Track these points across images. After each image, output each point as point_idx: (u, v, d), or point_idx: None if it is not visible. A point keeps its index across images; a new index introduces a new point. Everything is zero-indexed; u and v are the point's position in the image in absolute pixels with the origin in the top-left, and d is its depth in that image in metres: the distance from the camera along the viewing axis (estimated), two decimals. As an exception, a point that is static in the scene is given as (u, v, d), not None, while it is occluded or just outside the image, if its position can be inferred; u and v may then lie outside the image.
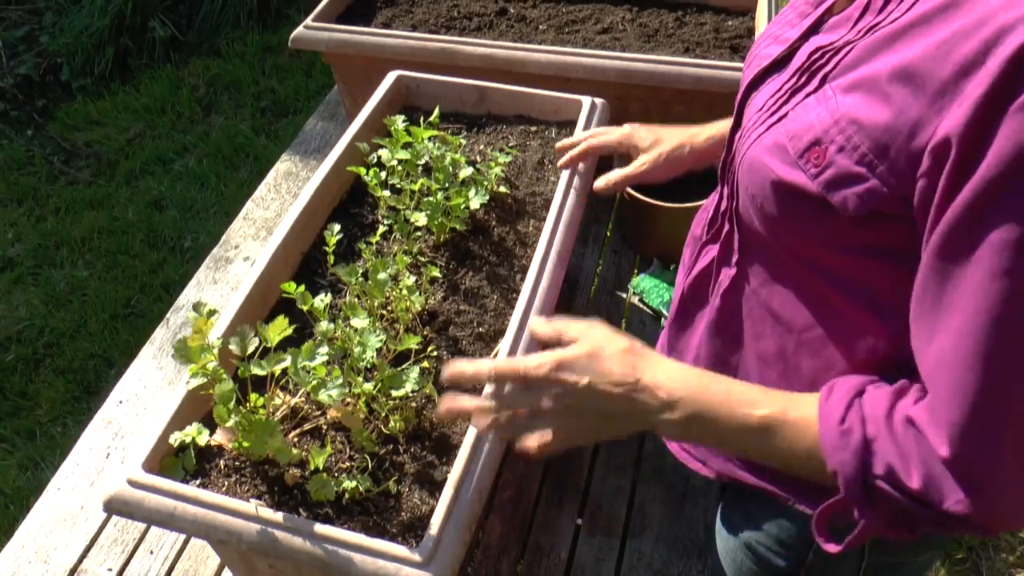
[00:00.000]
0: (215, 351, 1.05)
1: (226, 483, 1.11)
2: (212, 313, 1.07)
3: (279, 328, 1.06)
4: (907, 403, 0.77)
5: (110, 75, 4.24)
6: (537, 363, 0.91)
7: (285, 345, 1.09)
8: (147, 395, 1.66)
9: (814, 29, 0.89)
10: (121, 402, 1.65)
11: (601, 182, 1.45)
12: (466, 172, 1.46)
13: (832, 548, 0.84)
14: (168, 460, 1.13)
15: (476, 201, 1.41)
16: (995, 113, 0.63)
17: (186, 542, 1.44)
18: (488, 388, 0.97)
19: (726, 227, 1.00)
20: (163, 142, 3.88)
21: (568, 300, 1.81)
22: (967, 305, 0.68)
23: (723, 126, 1.36)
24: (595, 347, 0.91)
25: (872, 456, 0.77)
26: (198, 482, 1.11)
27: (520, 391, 0.92)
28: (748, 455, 0.91)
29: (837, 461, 0.78)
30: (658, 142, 1.41)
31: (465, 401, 0.96)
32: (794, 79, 0.86)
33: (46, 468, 2.62)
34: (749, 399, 0.85)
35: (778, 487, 1.02)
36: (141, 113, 4.05)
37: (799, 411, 0.83)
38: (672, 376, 0.89)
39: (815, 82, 0.82)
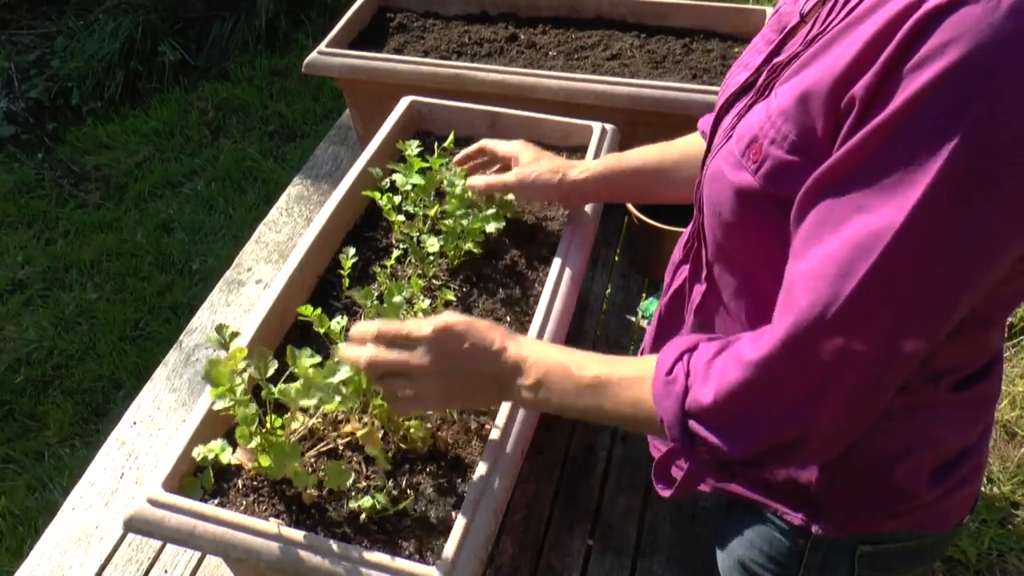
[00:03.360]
0: (244, 375, 1.07)
1: (244, 502, 1.13)
2: (235, 336, 1.09)
3: (313, 360, 1.08)
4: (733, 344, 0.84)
5: (120, 99, 4.29)
6: (419, 326, 1.01)
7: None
8: (161, 416, 1.67)
9: (776, 52, 0.93)
10: (135, 423, 1.66)
11: (480, 182, 1.44)
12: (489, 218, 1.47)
13: (665, 493, 0.94)
14: (187, 480, 1.14)
15: (492, 225, 1.43)
16: (892, 71, 0.69)
17: (200, 561, 1.45)
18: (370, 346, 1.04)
19: (695, 244, 1.05)
20: (172, 165, 3.91)
21: (578, 323, 1.83)
22: (826, 238, 0.75)
23: (603, 165, 1.39)
24: (471, 320, 1.02)
25: (688, 399, 0.85)
26: (216, 501, 1.13)
27: (402, 348, 1.02)
28: (587, 417, 0.98)
29: (662, 409, 0.87)
30: (535, 162, 1.41)
31: (352, 351, 1.04)
32: (753, 97, 0.91)
33: (54, 489, 2.63)
34: (582, 363, 0.96)
35: (766, 497, 1.05)
36: (150, 136, 4.09)
37: (624, 371, 0.94)
38: (531, 347, 1.01)
39: (766, 94, 0.88)
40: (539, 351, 1.00)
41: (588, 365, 0.96)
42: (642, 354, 1.23)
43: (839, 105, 0.74)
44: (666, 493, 0.93)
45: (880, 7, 0.72)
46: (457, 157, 1.52)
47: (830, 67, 0.75)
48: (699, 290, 1.04)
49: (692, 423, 0.85)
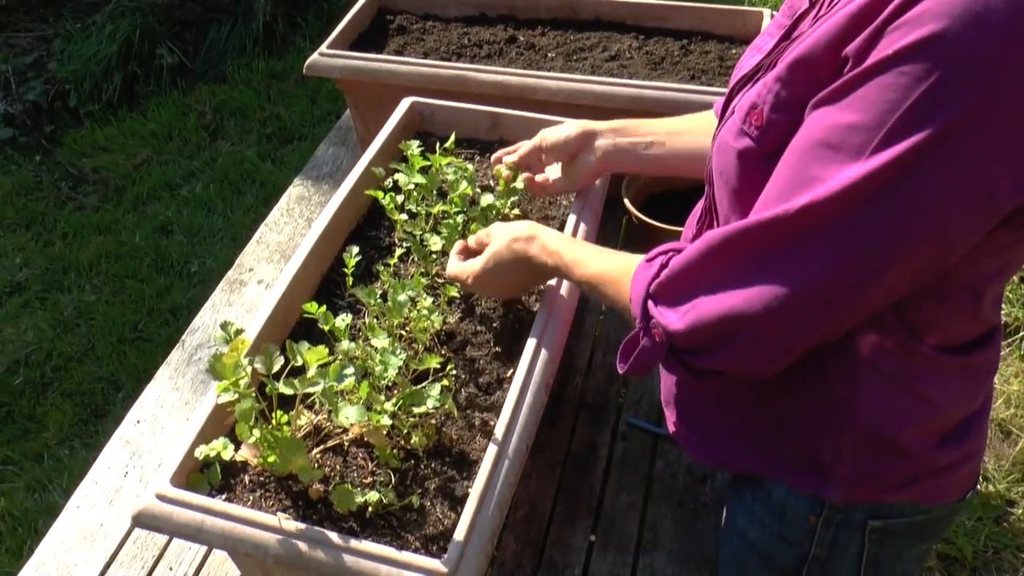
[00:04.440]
0: (248, 369, 1.08)
1: (251, 497, 1.14)
2: (240, 332, 1.10)
3: (318, 355, 1.09)
4: None
5: (118, 101, 4.29)
6: (464, 272, 1.32)
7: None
8: (164, 415, 1.68)
9: (787, 36, 0.97)
10: (138, 422, 1.67)
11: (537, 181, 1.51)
12: (486, 200, 1.48)
13: (621, 368, 1.04)
14: (194, 475, 1.15)
15: None
16: (880, 33, 0.76)
17: (205, 557, 1.46)
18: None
19: (707, 218, 1.08)
20: (170, 168, 3.92)
21: (578, 322, 1.84)
22: (796, 165, 0.83)
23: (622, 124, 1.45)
24: (496, 252, 1.27)
25: (656, 284, 0.96)
26: (224, 496, 1.14)
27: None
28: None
29: (633, 290, 1.00)
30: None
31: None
32: (761, 77, 0.95)
33: (54, 490, 2.63)
34: (583, 261, 1.16)
35: (774, 466, 1.07)
36: (148, 139, 4.09)
37: (613, 267, 1.11)
38: (554, 243, 1.22)
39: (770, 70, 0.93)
40: (556, 248, 1.21)
41: (586, 263, 1.16)
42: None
43: (836, 64, 0.81)
44: (622, 368, 1.04)
45: None
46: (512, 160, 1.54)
47: (826, 33, 0.81)
48: None
49: (650, 303, 0.97)
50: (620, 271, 1.07)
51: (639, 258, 1.04)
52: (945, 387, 0.97)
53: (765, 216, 0.84)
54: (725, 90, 1.84)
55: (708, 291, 0.90)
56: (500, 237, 1.27)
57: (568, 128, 1.45)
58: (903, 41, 0.73)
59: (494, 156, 1.56)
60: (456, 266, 1.34)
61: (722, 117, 1.05)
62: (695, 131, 1.37)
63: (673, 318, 0.93)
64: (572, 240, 1.24)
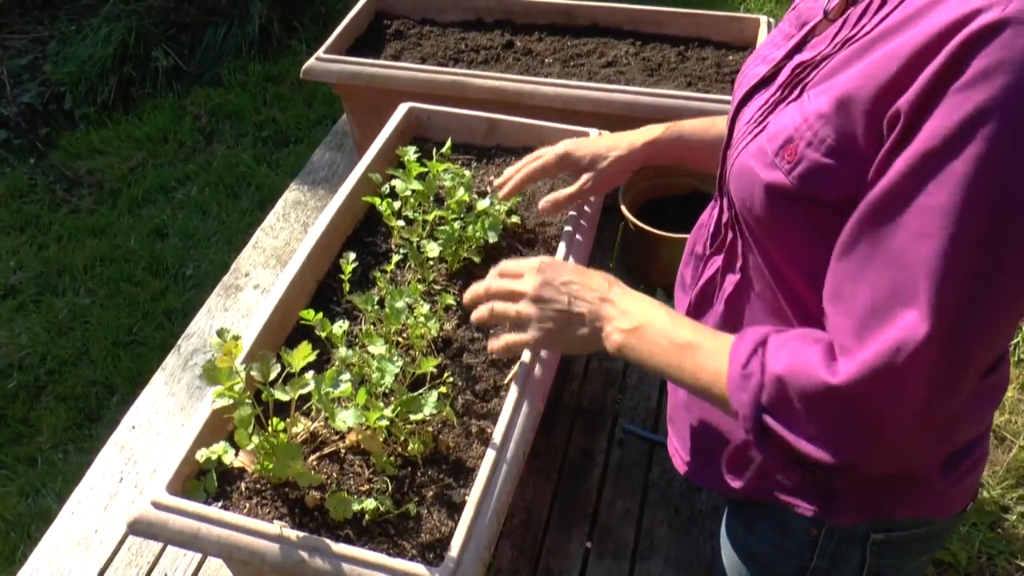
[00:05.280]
0: (242, 374, 1.08)
1: (248, 505, 1.13)
2: (236, 339, 1.10)
3: (303, 354, 1.09)
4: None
5: (113, 104, 4.28)
6: (531, 260, 1.14)
7: (304, 371, 1.12)
8: (159, 421, 1.68)
9: (799, 48, 0.95)
10: (134, 427, 1.67)
11: (547, 203, 1.46)
12: (482, 204, 1.48)
13: (736, 484, 1.00)
14: (190, 482, 1.15)
15: (492, 235, 1.44)
16: (939, 89, 0.69)
17: (200, 564, 1.45)
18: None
19: (729, 236, 1.05)
20: (165, 171, 3.91)
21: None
22: (889, 262, 0.75)
23: (657, 130, 1.40)
24: (580, 265, 1.13)
25: (766, 398, 0.85)
26: (220, 504, 1.13)
27: (512, 279, 1.14)
28: (665, 373, 1.00)
29: (737, 401, 0.88)
30: (597, 159, 1.42)
31: (472, 287, 1.19)
32: (779, 93, 0.93)
33: (47, 495, 2.62)
34: (678, 323, 1.00)
35: (780, 493, 1.06)
36: (143, 142, 4.08)
37: (712, 344, 0.95)
38: (633, 295, 1.06)
39: (796, 92, 0.89)
40: (641, 300, 1.05)
41: (683, 327, 0.99)
42: None
43: (883, 117, 0.75)
44: (736, 484, 0.99)
45: (921, 18, 0.73)
46: (504, 192, 1.47)
47: (871, 75, 0.76)
48: (732, 280, 1.05)
49: (768, 419, 0.86)
50: (717, 346, 0.95)
51: (724, 340, 0.94)
52: (965, 411, 0.96)
53: (875, 362, 0.77)
54: (722, 96, 1.84)
55: (829, 430, 0.83)
56: (586, 285, 1.09)
57: (621, 162, 1.40)
58: (973, 102, 0.67)
59: (498, 182, 1.48)
60: (505, 283, 1.15)
61: (730, 130, 1.03)
62: None
63: (802, 439, 0.84)
64: (644, 296, 1.07)
